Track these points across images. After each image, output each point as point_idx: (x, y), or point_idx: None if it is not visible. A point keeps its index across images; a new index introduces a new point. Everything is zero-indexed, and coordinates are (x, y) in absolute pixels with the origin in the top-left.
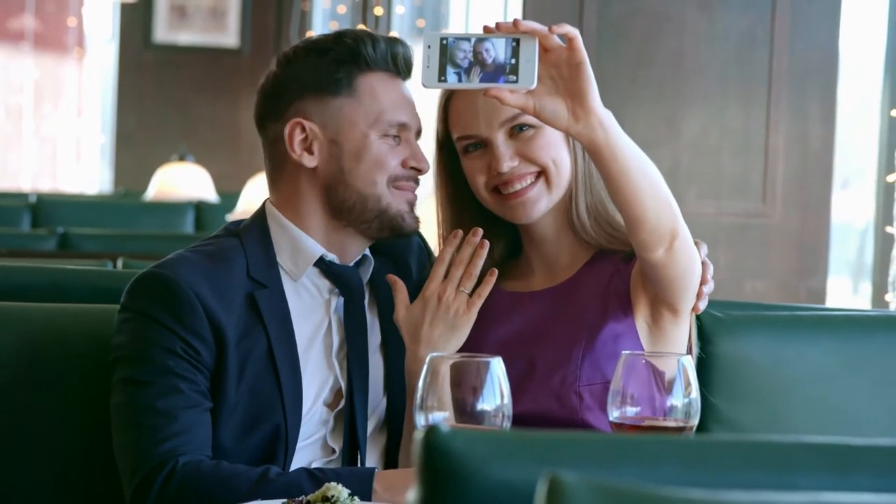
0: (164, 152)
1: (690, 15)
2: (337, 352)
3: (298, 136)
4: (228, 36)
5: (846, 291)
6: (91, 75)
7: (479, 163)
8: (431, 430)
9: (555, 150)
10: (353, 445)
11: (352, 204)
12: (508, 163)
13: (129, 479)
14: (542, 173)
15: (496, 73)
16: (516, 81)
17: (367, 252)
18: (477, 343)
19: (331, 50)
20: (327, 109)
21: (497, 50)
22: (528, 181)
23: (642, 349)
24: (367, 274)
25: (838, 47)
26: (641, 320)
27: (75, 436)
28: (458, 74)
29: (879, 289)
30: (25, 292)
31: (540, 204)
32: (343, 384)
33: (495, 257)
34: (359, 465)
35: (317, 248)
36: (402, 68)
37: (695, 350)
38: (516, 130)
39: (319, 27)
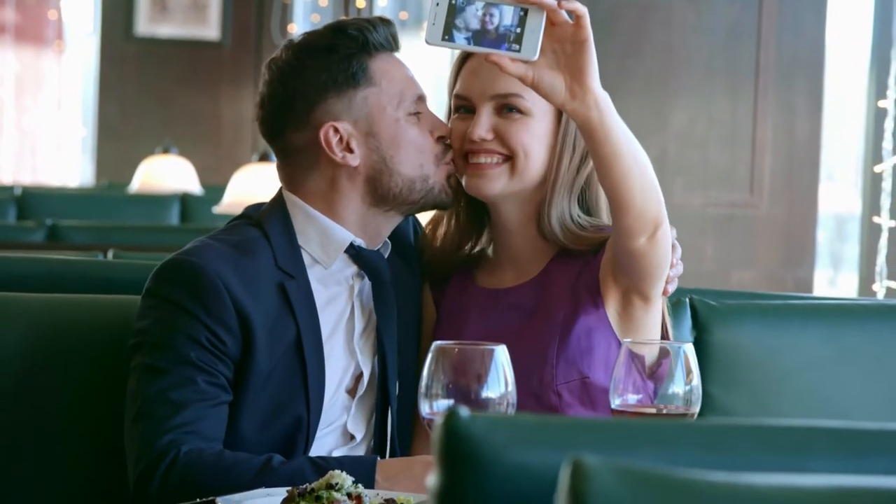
0: (146, 145)
1: (678, 7)
2: (358, 337)
3: (334, 139)
4: (209, 29)
5: (830, 282)
6: (71, 68)
7: (462, 125)
8: (451, 414)
9: (532, 142)
10: (381, 429)
11: (399, 190)
12: (482, 133)
13: (134, 468)
14: (510, 158)
15: (500, 39)
16: (519, 51)
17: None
18: (454, 340)
19: (337, 45)
20: (353, 104)
21: (504, 17)
22: (494, 160)
23: (616, 340)
24: (386, 254)
25: (825, 39)
26: (612, 310)
27: (76, 423)
28: (463, 36)
29: (866, 279)
30: (20, 283)
31: (496, 184)
32: (365, 369)
33: (472, 245)
34: (393, 448)
35: (346, 235)
36: (397, 45)
37: (671, 336)
38: (505, 110)
39: (301, 20)
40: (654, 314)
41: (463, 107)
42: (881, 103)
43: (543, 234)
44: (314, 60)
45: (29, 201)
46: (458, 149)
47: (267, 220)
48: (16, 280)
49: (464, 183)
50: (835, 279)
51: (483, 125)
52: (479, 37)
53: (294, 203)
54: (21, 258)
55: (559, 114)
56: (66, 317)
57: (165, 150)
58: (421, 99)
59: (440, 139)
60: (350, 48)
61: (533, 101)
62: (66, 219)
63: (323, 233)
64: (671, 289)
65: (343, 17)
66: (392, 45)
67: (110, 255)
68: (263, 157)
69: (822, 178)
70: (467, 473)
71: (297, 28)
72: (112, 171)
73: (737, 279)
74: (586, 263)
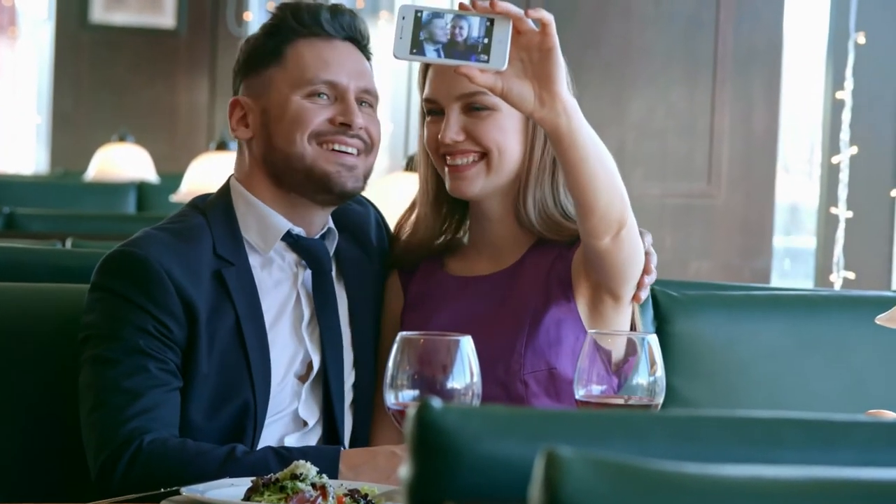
0: (102, 133)
1: None
2: (307, 324)
3: (237, 115)
4: (165, 16)
5: (787, 272)
6: (26, 55)
7: (434, 128)
8: (424, 405)
9: (503, 136)
10: (329, 417)
11: (282, 166)
12: (452, 136)
13: (95, 458)
14: (485, 155)
15: (468, 51)
16: (487, 61)
17: (332, 225)
18: (422, 328)
19: (266, 25)
20: (259, 82)
21: (471, 28)
22: (470, 159)
23: (584, 333)
24: (332, 246)
25: (782, 30)
26: (583, 305)
27: (32, 413)
28: (430, 49)
29: (823, 270)
30: None
31: (476, 183)
32: (315, 357)
33: (448, 234)
34: (339, 436)
35: (283, 223)
36: (336, 30)
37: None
38: (473, 108)
39: (256, 8)
40: (624, 315)
41: (433, 110)
42: (838, 94)
43: (521, 223)
44: (252, 39)
45: None
46: (434, 151)
47: (211, 208)
48: None
49: (447, 186)
50: (791, 269)
51: (453, 127)
52: (446, 49)
53: (237, 190)
54: None
55: None
56: (23, 305)
57: (121, 139)
58: (332, 85)
59: (342, 125)
60: (269, 29)
61: None
62: (21, 206)
63: (261, 220)
64: (643, 295)
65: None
66: (321, 28)
67: (69, 243)
68: (221, 146)
69: (778, 168)
70: (440, 464)
71: (253, 16)
72: (67, 159)
73: (695, 269)
74: (560, 255)
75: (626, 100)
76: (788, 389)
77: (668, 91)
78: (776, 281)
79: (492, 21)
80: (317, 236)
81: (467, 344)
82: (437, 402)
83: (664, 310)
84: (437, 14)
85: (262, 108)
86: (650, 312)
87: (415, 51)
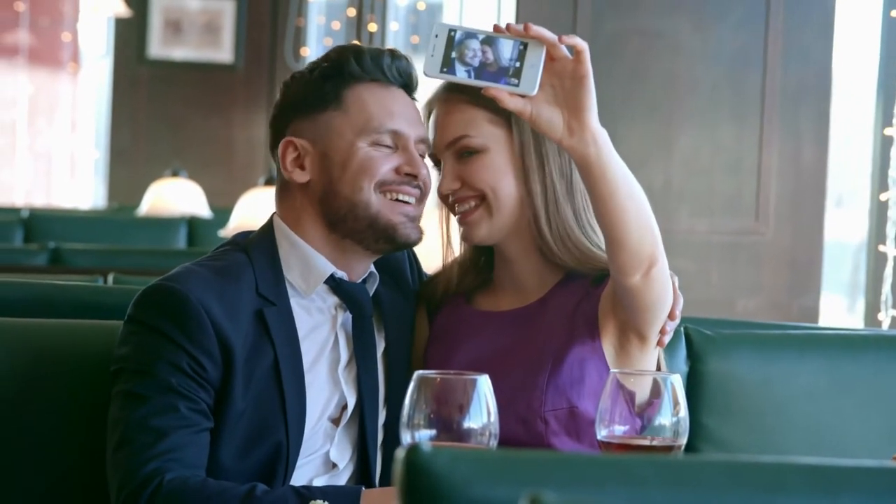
0: (158, 167)
1: (684, 33)
2: (343, 367)
3: (291, 155)
4: (223, 52)
5: (839, 310)
6: (85, 90)
7: (440, 179)
8: (413, 448)
9: (494, 176)
10: (362, 459)
11: (344, 213)
12: (448, 185)
13: (116, 496)
14: (484, 198)
15: (499, 73)
16: (517, 85)
17: (373, 268)
18: (445, 362)
19: (317, 67)
20: (317, 125)
21: (504, 50)
22: (471, 205)
23: (608, 372)
24: (372, 289)
25: (831, 66)
26: (609, 344)
27: (66, 451)
28: (461, 68)
29: (872, 307)
30: (16, 308)
31: (481, 228)
32: (350, 399)
33: (475, 273)
34: (371, 477)
35: (327, 266)
36: (394, 77)
37: None
38: (463, 154)
39: (314, 43)
40: (651, 357)
41: (436, 163)
42: (887, 131)
43: (545, 257)
44: (299, 79)
45: (36, 224)
46: (444, 203)
47: (254, 246)
48: (11, 304)
49: (459, 235)
50: (842, 307)
51: (447, 177)
52: (477, 70)
53: (281, 230)
54: (17, 282)
55: (512, 139)
56: (55, 342)
57: (174, 174)
58: (397, 134)
59: (408, 175)
60: (327, 71)
61: (484, 136)
62: (73, 242)
63: (304, 262)
64: (666, 340)
65: (355, 41)
66: (380, 74)
67: (111, 279)
68: (269, 181)
69: (832, 204)
70: None
71: (310, 51)
72: (123, 194)
73: (742, 307)
74: (587, 294)
75: (672, 136)
76: (825, 430)
77: (716, 127)
78: (826, 319)
79: (525, 45)
80: (359, 280)
81: (484, 383)
82: (426, 446)
83: (697, 348)
84: (470, 34)
85: (321, 153)
86: (683, 351)
87: (445, 69)
